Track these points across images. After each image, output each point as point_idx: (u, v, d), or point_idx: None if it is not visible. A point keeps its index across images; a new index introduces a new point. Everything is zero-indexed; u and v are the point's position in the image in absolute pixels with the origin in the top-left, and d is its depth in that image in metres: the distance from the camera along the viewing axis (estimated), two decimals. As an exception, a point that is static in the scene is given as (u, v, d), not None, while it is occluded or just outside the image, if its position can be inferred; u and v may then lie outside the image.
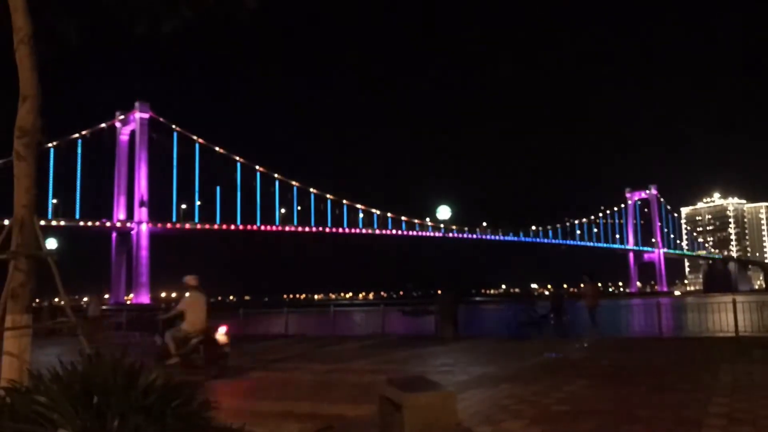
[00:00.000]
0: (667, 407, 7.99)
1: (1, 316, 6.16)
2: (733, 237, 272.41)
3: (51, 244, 36.62)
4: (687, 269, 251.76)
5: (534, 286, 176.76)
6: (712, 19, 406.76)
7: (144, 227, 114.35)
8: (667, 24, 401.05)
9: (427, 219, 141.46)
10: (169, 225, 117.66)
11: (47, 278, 6.73)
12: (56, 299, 31.63)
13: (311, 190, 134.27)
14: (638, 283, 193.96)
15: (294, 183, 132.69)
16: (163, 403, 4.60)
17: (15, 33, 6.84)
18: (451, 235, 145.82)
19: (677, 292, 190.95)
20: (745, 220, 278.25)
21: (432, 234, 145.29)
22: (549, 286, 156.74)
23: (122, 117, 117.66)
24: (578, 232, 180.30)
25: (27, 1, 6.85)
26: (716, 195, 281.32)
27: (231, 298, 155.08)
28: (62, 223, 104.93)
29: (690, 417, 7.36)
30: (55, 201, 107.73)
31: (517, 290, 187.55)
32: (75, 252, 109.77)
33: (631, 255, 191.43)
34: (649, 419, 7.35)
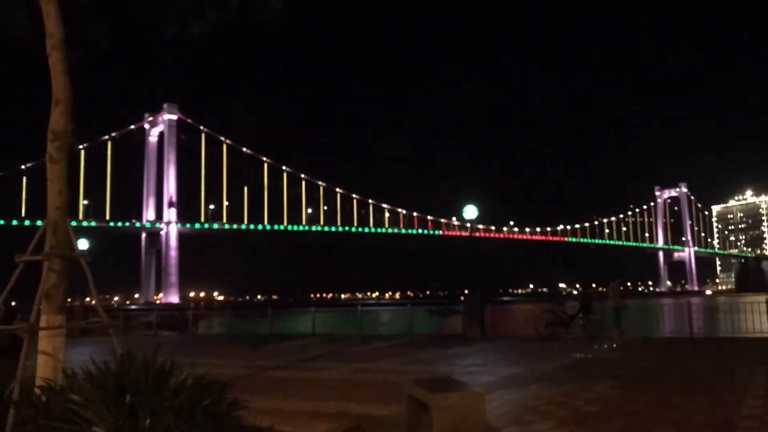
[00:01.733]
0: (698, 409, 7.88)
1: (36, 316, 6.27)
2: (766, 235, 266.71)
3: (83, 244, 37.17)
4: (718, 268, 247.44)
5: (562, 285, 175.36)
6: (744, 15, 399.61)
7: (173, 227, 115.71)
8: (698, 21, 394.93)
9: (454, 218, 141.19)
10: (197, 225, 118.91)
11: (79, 278, 6.84)
12: (88, 299, 32.18)
13: (337, 190, 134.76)
14: (668, 283, 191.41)
15: (320, 183, 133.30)
16: (193, 403, 4.67)
17: (48, 39, 6.97)
18: (477, 234, 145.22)
19: (708, 292, 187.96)
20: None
21: (459, 233, 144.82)
22: (577, 286, 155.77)
23: (151, 119, 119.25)
24: (607, 230, 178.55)
25: (59, 7, 6.97)
26: (748, 192, 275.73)
27: (259, 297, 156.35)
28: (93, 223, 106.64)
29: (722, 419, 7.25)
30: (86, 202, 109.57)
31: (545, 290, 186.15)
32: (105, 252, 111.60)
33: (660, 254, 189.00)
34: (679, 421, 7.26)
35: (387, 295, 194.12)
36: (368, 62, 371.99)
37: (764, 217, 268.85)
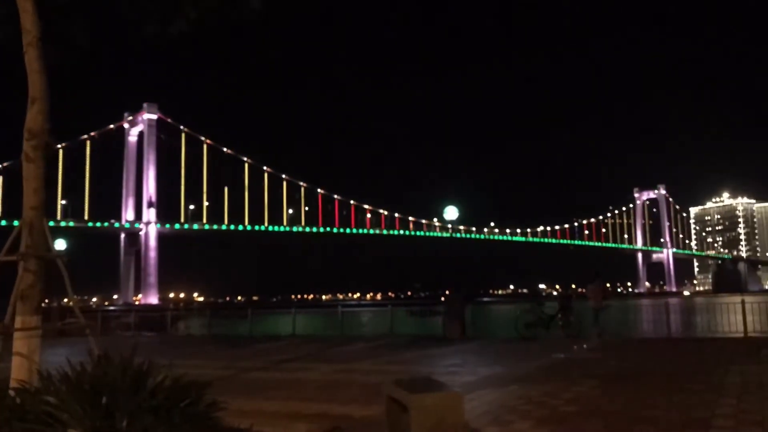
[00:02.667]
0: (675, 408, 7.96)
1: (11, 317, 6.19)
2: (742, 237, 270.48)
3: (60, 245, 36.75)
4: (696, 269, 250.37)
5: (542, 286, 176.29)
6: (722, 19, 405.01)
7: (152, 228, 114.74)
8: (678, 24, 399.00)
9: (435, 219, 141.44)
10: (177, 226, 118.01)
11: (57, 279, 6.76)
12: (65, 300, 31.78)
13: (319, 190, 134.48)
14: (647, 284, 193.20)
15: (301, 183, 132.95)
16: (171, 404, 4.62)
17: (24, 35, 6.88)
18: (458, 235, 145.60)
19: (686, 293, 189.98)
20: (755, 219, 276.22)
21: (440, 234, 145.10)
22: (557, 286, 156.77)
23: (130, 118, 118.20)
24: (586, 232, 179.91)
25: (36, 3, 6.89)
26: (725, 195, 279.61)
27: (239, 298, 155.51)
28: (71, 224, 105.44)
29: (698, 418, 7.33)
30: (64, 202, 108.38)
31: (525, 290, 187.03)
32: (84, 253, 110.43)
33: (639, 255, 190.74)
34: (657, 420, 7.33)
35: (368, 296, 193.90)
36: (348, 63, 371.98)
37: (740, 219, 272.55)
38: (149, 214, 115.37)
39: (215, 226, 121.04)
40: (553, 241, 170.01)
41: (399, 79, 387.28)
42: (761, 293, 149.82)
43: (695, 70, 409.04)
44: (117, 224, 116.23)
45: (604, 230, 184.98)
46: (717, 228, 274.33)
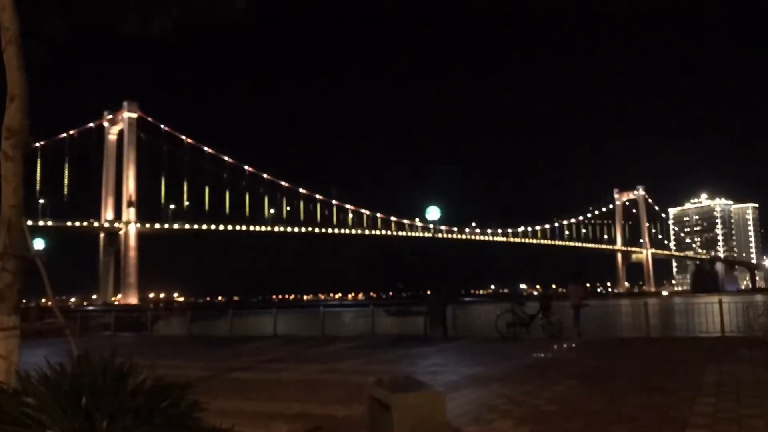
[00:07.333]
0: (653, 407, 8.05)
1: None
2: (720, 237, 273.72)
3: (38, 244, 36.33)
4: (674, 269, 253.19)
5: (523, 286, 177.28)
6: (703, 19, 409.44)
7: (132, 227, 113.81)
8: (658, 25, 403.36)
9: (417, 219, 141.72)
10: (157, 225, 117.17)
11: (35, 279, 6.70)
12: (44, 300, 31.41)
13: (300, 190, 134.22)
14: (626, 284, 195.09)
15: (283, 183, 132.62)
16: (152, 404, 4.59)
17: (2, 33, 6.80)
18: (440, 235, 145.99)
19: (665, 293, 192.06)
20: (732, 220, 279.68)
21: (421, 234, 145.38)
22: (538, 287, 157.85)
23: (110, 117, 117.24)
24: (567, 232, 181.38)
25: (14, 0, 6.81)
26: (703, 196, 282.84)
27: (220, 298, 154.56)
28: (50, 223, 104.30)
29: (676, 416, 7.42)
30: (42, 201, 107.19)
31: (506, 290, 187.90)
32: (63, 253, 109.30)
33: (619, 255, 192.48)
34: (636, 419, 7.40)
35: (350, 296, 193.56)
36: (333, 62, 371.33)
37: (718, 220, 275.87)
38: (129, 213, 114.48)
39: (196, 226, 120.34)
40: (534, 241, 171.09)
41: (381, 80, 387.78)
42: (738, 293, 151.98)
43: (675, 72, 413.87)
44: (96, 224, 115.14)
45: (584, 231, 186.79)
46: (695, 228, 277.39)
